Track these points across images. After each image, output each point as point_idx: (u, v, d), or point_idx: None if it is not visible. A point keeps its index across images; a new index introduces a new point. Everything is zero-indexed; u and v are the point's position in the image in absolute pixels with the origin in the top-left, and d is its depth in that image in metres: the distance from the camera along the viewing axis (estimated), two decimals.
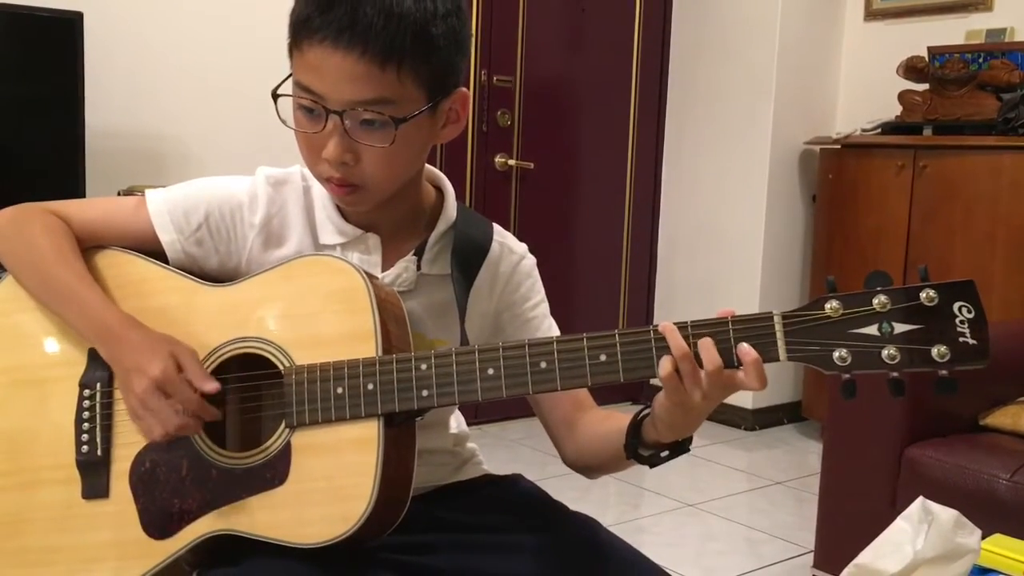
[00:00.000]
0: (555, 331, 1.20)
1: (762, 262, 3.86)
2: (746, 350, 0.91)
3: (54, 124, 2.54)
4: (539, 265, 1.23)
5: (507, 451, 3.44)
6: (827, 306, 0.90)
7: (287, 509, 1.00)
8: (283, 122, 1.06)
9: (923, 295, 0.87)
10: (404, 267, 1.12)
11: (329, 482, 0.99)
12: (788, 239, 3.94)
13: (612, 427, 1.10)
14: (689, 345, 0.92)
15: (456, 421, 1.26)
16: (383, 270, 1.12)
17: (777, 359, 0.91)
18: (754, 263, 3.88)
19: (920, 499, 1.11)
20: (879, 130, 3.55)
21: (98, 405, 1.07)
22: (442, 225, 1.15)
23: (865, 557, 1.10)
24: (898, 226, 3.41)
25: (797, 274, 4.00)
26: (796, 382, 3.97)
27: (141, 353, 1.01)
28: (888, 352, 0.88)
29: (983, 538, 1.14)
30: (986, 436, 2.17)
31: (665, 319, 0.95)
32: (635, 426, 1.05)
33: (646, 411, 1.03)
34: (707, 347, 0.91)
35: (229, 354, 1.05)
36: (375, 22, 0.96)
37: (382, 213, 1.12)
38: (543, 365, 0.96)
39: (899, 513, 1.11)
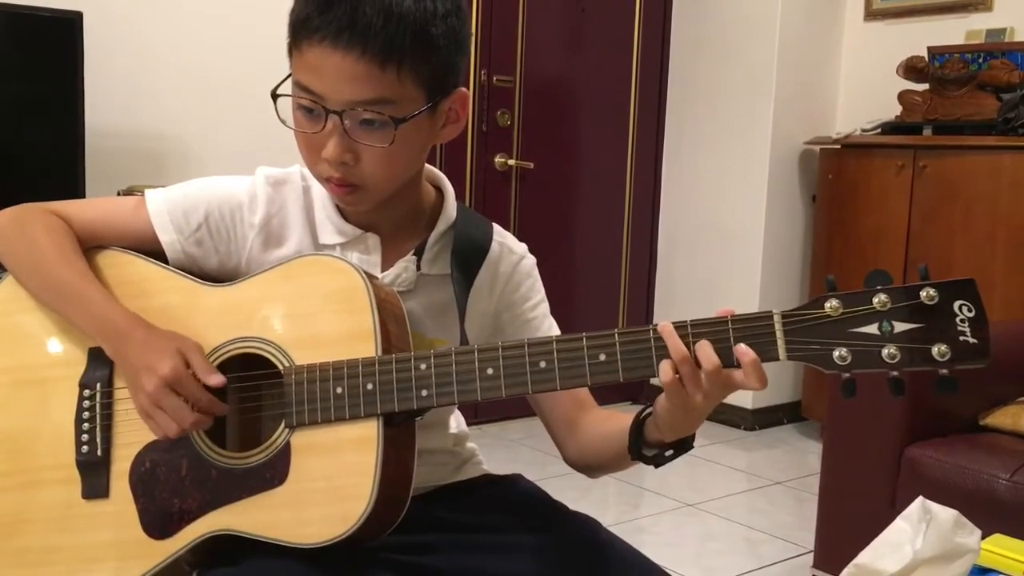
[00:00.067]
0: (555, 331, 1.20)
1: (762, 261, 3.86)
2: (743, 351, 0.91)
3: (54, 124, 2.54)
4: (539, 264, 1.23)
5: (507, 451, 3.44)
6: (827, 305, 0.90)
7: (287, 509, 1.00)
8: (283, 122, 1.06)
9: (923, 294, 0.87)
10: (404, 267, 1.12)
11: (329, 482, 0.99)
12: (788, 238, 3.94)
13: (614, 427, 1.10)
14: (689, 345, 0.92)
15: (456, 421, 1.26)
16: (383, 270, 1.12)
17: (777, 358, 0.91)
18: (754, 262, 3.88)
19: (920, 499, 1.11)
20: (879, 130, 3.55)
21: (98, 405, 1.07)
22: (442, 225, 1.15)
23: (865, 557, 1.10)
24: (898, 226, 3.41)
25: (797, 273, 4.00)
26: (796, 382, 3.97)
27: (149, 351, 1.02)
28: (888, 351, 0.88)
29: (983, 538, 1.14)
30: (986, 436, 2.17)
31: (665, 318, 0.95)
32: (637, 427, 1.05)
33: (648, 411, 1.03)
34: (705, 348, 0.92)
35: (229, 354, 1.05)
36: (375, 22, 0.96)
37: (382, 213, 1.12)
38: (542, 365, 0.96)
39: (899, 513, 1.11)
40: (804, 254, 3.99)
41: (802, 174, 3.95)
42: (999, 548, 1.26)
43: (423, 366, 0.98)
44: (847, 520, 2.21)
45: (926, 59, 3.46)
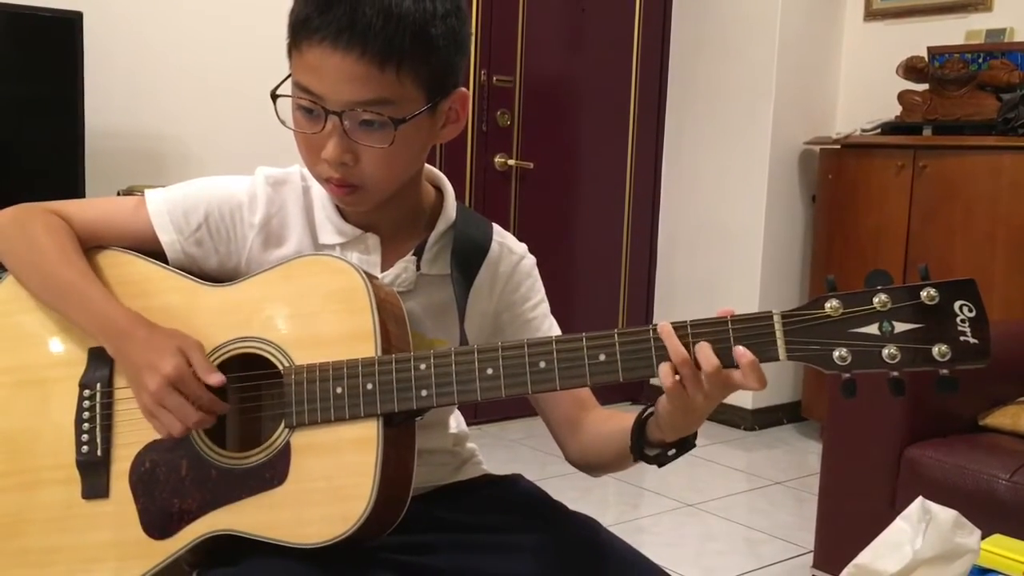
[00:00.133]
0: (556, 331, 1.20)
1: (762, 261, 3.86)
2: (741, 352, 0.91)
3: (54, 124, 2.54)
4: (539, 264, 1.23)
5: (507, 451, 3.44)
6: (827, 305, 0.90)
7: (286, 509, 1.00)
8: (282, 123, 1.06)
9: (924, 294, 0.87)
10: (403, 267, 1.12)
11: (328, 482, 0.99)
12: (788, 238, 3.94)
13: (616, 427, 1.10)
14: (688, 346, 0.92)
15: (456, 421, 1.26)
16: (382, 270, 1.12)
17: (777, 359, 0.91)
18: (754, 262, 3.88)
19: (919, 499, 1.11)
20: (879, 130, 3.55)
21: (98, 405, 1.07)
22: (442, 225, 1.15)
23: (865, 557, 1.10)
24: (898, 226, 3.41)
25: (797, 273, 4.00)
26: (796, 382, 3.97)
27: (151, 349, 1.02)
28: (888, 351, 0.88)
29: (982, 538, 1.14)
30: (986, 436, 2.17)
31: (665, 317, 0.95)
32: (639, 427, 1.05)
33: (649, 411, 1.04)
34: (704, 350, 0.92)
35: (229, 354, 1.05)
36: (374, 22, 0.96)
37: (382, 213, 1.12)
38: (542, 365, 0.96)
39: (899, 513, 1.11)
40: (804, 254, 3.99)
41: (802, 174, 3.95)
42: (999, 548, 1.26)
43: (423, 366, 0.98)
44: (847, 520, 2.21)
45: (926, 59, 3.46)
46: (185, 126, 2.96)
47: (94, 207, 1.16)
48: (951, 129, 3.34)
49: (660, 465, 1.05)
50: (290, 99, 1.03)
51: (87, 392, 1.07)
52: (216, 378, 1.01)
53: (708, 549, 2.67)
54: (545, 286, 1.22)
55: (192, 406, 1.00)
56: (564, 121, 3.96)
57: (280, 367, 1.03)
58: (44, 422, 1.08)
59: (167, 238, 1.11)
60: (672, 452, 1.03)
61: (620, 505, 3.01)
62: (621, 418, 1.11)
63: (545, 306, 1.21)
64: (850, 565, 1.10)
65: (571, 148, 4.00)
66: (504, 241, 1.20)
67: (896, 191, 3.41)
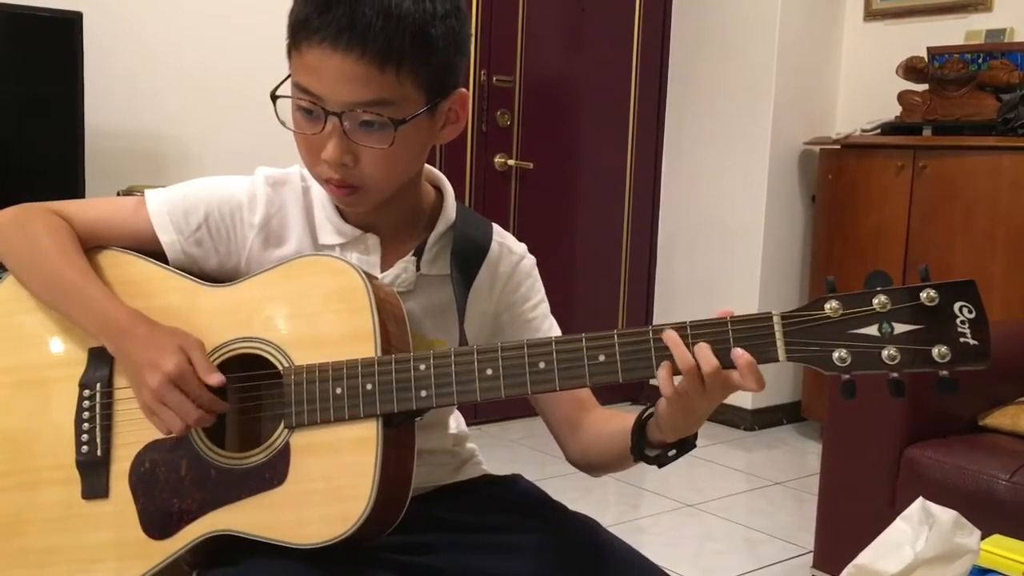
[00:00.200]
0: (556, 331, 1.20)
1: (762, 261, 3.86)
2: (739, 354, 0.91)
3: (54, 124, 2.54)
4: (539, 264, 1.23)
5: (506, 451, 3.44)
6: (827, 306, 0.90)
7: (286, 509, 1.00)
8: (282, 123, 1.06)
9: (923, 295, 0.87)
10: (403, 267, 1.12)
11: (328, 482, 0.99)
12: (788, 239, 3.94)
13: (616, 427, 1.11)
14: (688, 347, 0.92)
15: (455, 421, 1.26)
16: (382, 270, 1.12)
17: (776, 360, 0.91)
18: (754, 262, 3.88)
19: (920, 500, 1.11)
20: (879, 130, 3.55)
21: (98, 405, 1.07)
22: (441, 225, 1.15)
23: (865, 558, 1.10)
24: (898, 226, 3.41)
25: (797, 273, 4.00)
26: (795, 382, 3.97)
27: (151, 347, 1.02)
28: (888, 352, 0.88)
29: (982, 539, 1.14)
30: (986, 436, 2.17)
31: (665, 317, 0.95)
32: (639, 427, 1.05)
33: (649, 412, 1.04)
34: (703, 351, 0.92)
35: (229, 354, 1.05)
36: (374, 23, 0.96)
37: (381, 213, 1.12)
38: (542, 365, 0.96)
39: (899, 513, 1.11)
40: (804, 254, 3.99)
41: (802, 174, 3.95)
42: (999, 549, 1.26)
43: (422, 367, 0.98)
44: (847, 520, 2.21)
45: (926, 59, 3.46)
46: (185, 126, 2.96)
47: (94, 207, 1.16)
48: (951, 129, 3.34)
49: (660, 466, 1.05)
50: (290, 100, 1.04)
51: (87, 392, 1.07)
52: (216, 378, 1.01)
53: (708, 549, 2.67)
54: (545, 286, 1.22)
55: (192, 404, 1.00)
56: (564, 121, 3.96)
57: (280, 367, 1.03)
58: (44, 422, 1.08)
59: (167, 238, 1.11)
60: (672, 453, 1.03)
61: (620, 505, 3.01)
62: (621, 418, 1.11)
63: (545, 306, 1.21)
64: (850, 565, 1.10)
65: (571, 148, 4.00)
66: (504, 241, 1.20)
67: (896, 191, 3.41)
